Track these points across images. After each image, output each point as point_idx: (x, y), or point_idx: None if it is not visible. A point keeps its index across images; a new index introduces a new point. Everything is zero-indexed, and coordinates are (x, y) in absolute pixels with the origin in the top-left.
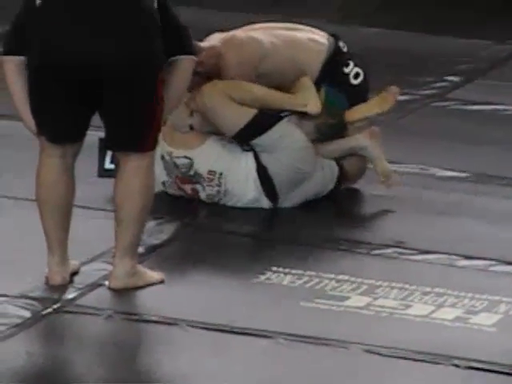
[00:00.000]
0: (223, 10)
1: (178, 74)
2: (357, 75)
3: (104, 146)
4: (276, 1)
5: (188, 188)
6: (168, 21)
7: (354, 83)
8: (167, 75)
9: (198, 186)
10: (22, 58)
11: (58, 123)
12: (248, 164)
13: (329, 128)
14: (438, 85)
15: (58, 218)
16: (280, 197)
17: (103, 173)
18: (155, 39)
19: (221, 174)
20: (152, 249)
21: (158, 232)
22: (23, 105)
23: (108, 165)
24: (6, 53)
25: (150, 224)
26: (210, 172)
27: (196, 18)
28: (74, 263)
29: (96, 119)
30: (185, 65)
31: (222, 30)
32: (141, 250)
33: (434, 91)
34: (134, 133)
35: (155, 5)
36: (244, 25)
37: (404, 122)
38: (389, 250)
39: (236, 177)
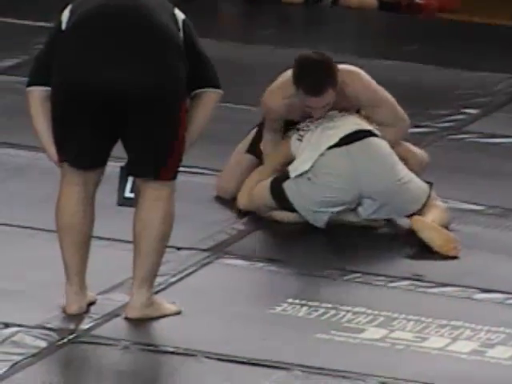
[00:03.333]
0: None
1: (201, 107)
2: None
3: (125, 173)
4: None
5: None
6: (193, 53)
7: None
8: (190, 107)
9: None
10: (46, 88)
11: (80, 148)
12: None
13: None
14: (455, 118)
15: (77, 247)
16: None
17: (123, 201)
18: (179, 70)
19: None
20: (169, 279)
21: (175, 262)
22: (46, 135)
23: (128, 193)
24: (31, 84)
25: (167, 254)
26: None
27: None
28: (90, 294)
29: (117, 150)
30: (208, 98)
31: None
32: (158, 280)
33: (451, 124)
34: (155, 160)
35: (181, 35)
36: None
37: None
38: (405, 283)
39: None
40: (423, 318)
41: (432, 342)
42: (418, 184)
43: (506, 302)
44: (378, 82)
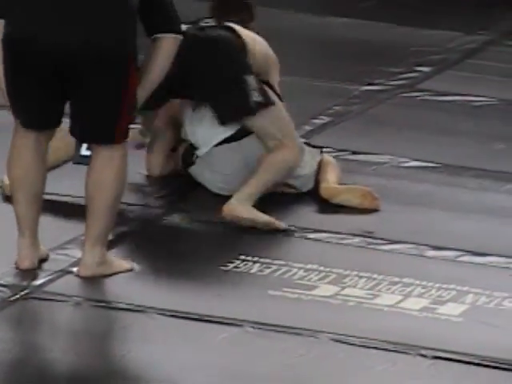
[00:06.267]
0: None
1: (159, 54)
2: None
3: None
4: None
5: None
6: None
7: None
8: (148, 53)
9: None
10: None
11: (30, 110)
12: None
13: None
14: (409, 75)
15: (30, 199)
16: None
17: (79, 159)
18: (128, 26)
19: None
20: (122, 237)
21: (128, 220)
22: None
23: (84, 151)
24: None
25: (121, 211)
26: None
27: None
28: (43, 249)
29: None
30: (167, 43)
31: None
32: (110, 237)
33: (404, 82)
34: (104, 123)
35: None
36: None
37: (374, 112)
38: (357, 240)
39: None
40: (375, 275)
41: (383, 299)
42: (309, 162)
43: (457, 259)
44: (332, 40)
